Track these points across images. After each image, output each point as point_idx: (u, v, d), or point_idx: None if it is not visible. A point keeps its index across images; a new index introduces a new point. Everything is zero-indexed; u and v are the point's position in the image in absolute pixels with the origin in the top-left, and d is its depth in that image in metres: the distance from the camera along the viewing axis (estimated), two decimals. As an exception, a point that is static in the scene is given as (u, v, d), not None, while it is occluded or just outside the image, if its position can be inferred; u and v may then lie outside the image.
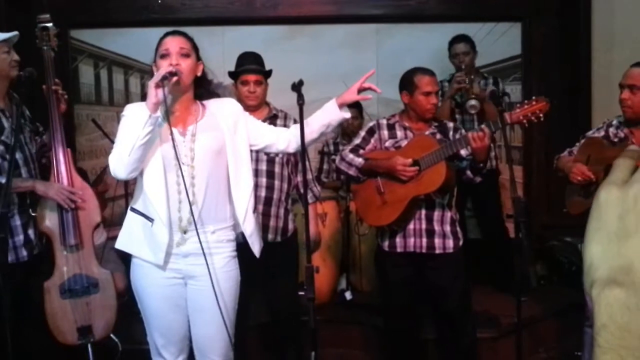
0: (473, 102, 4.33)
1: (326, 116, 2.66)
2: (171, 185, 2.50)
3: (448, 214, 3.36)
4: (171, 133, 2.46)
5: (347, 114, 2.69)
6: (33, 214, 3.13)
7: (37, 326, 3.11)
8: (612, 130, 3.25)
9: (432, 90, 3.32)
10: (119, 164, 2.45)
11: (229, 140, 2.60)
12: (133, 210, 2.61)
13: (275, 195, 3.46)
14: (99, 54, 5.41)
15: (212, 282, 2.48)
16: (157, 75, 2.41)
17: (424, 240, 3.32)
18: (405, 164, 3.21)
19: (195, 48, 2.60)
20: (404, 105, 3.44)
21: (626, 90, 3.14)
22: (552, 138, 5.09)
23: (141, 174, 2.53)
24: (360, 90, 2.64)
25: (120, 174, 2.48)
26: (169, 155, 2.49)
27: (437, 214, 3.33)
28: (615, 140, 3.23)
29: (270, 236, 3.38)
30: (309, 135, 2.65)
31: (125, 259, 3.38)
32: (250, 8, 5.32)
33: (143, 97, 2.60)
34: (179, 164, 2.46)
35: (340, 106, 2.64)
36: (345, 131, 4.99)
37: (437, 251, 3.32)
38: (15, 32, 3.19)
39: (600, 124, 3.37)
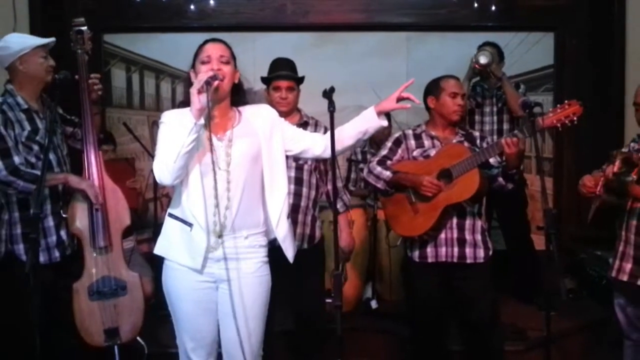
0: (485, 51, 4.40)
1: (364, 123, 2.68)
2: (208, 190, 2.51)
3: (478, 223, 3.33)
4: (210, 138, 2.48)
5: (385, 122, 2.71)
6: (64, 215, 3.17)
7: (65, 327, 3.14)
8: (632, 144, 3.22)
9: (458, 91, 3.35)
10: (165, 171, 2.46)
11: (264, 146, 2.61)
12: (170, 215, 2.63)
13: (303, 203, 3.45)
14: (131, 58, 5.48)
15: (230, 290, 2.51)
16: (198, 82, 2.43)
17: (456, 249, 3.29)
18: (431, 181, 3.20)
19: (233, 56, 2.62)
20: (429, 113, 3.43)
21: None
22: (583, 150, 5.03)
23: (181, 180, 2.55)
24: (399, 99, 2.66)
25: (165, 180, 2.49)
26: (206, 160, 2.50)
27: (468, 223, 3.30)
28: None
29: (297, 243, 3.36)
30: (345, 142, 2.69)
31: (153, 262, 3.41)
32: (281, 15, 5.36)
33: (181, 104, 2.62)
34: (214, 169, 2.46)
35: (379, 114, 2.67)
36: (374, 139, 4.97)
37: (468, 261, 3.29)
38: (52, 39, 3.26)
39: (633, 141, 3.32)
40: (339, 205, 3.59)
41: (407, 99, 2.67)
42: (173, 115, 2.56)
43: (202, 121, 2.42)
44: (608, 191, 3.04)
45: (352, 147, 2.84)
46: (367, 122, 2.68)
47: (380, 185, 3.39)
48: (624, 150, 3.24)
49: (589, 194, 3.17)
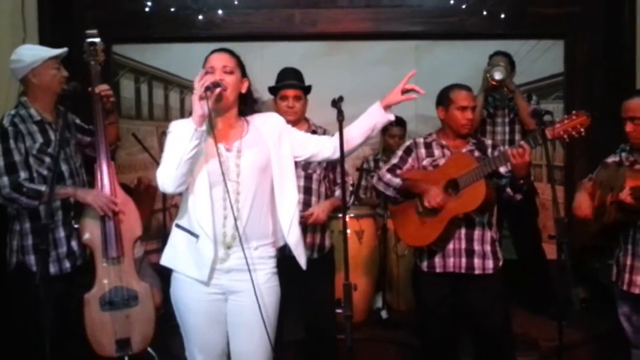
0: (500, 67, 4.38)
1: (371, 119, 2.65)
2: (216, 201, 2.50)
3: (488, 234, 3.30)
4: (217, 149, 2.47)
5: (392, 116, 2.68)
6: (75, 226, 3.17)
7: (76, 337, 3.14)
8: (624, 155, 3.22)
9: (467, 105, 3.31)
10: (167, 178, 2.45)
11: (274, 155, 2.60)
12: (178, 226, 2.62)
13: (312, 212, 3.44)
14: (140, 68, 5.49)
15: (257, 298, 2.49)
16: (199, 88, 2.42)
17: (464, 260, 3.26)
18: (437, 195, 3.19)
19: (240, 65, 2.61)
20: (440, 122, 3.42)
21: (629, 123, 3.13)
22: (594, 158, 4.97)
23: (187, 189, 2.53)
24: (404, 91, 2.63)
25: (168, 188, 2.48)
26: (214, 171, 2.48)
27: (477, 233, 3.28)
28: (627, 164, 3.18)
29: (307, 252, 3.35)
30: (354, 141, 2.66)
31: (162, 273, 3.41)
32: (289, 24, 5.36)
33: (190, 113, 2.60)
34: (224, 180, 2.45)
35: (385, 108, 2.64)
36: (389, 148, 4.94)
37: (477, 272, 3.26)
38: (65, 49, 3.26)
39: (617, 149, 3.32)
40: (337, 193, 3.53)
41: (412, 90, 2.63)
42: (180, 125, 2.55)
43: (203, 127, 2.41)
44: (621, 210, 3.04)
45: (361, 146, 2.78)
46: (373, 117, 2.65)
47: (390, 192, 3.38)
48: (614, 159, 3.24)
49: (585, 218, 3.20)
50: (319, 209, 3.40)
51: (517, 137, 4.54)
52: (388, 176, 3.38)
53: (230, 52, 2.63)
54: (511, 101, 4.55)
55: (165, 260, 2.66)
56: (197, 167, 2.50)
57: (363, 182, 4.97)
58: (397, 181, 3.35)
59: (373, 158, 5.08)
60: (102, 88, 3.21)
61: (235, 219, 2.48)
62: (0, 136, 3.08)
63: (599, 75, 5.24)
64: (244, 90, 2.62)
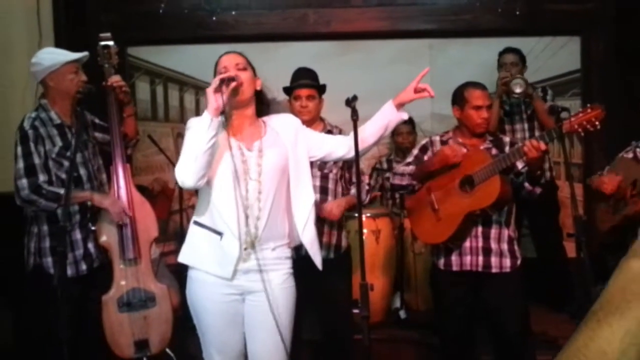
0: (519, 80, 4.33)
1: (384, 118, 2.65)
2: (239, 200, 2.50)
3: (505, 232, 3.27)
4: (239, 148, 2.50)
5: (405, 115, 2.68)
6: (92, 228, 3.19)
7: (94, 339, 3.15)
8: (639, 150, 3.16)
9: (482, 104, 3.26)
10: (186, 172, 2.44)
11: (291, 155, 2.61)
12: (197, 224, 2.61)
13: (329, 212, 3.43)
14: (155, 70, 5.51)
15: (268, 300, 2.50)
16: (214, 81, 2.44)
17: (480, 258, 3.23)
18: (453, 148, 3.16)
19: (250, 64, 2.64)
20: (457, 121, 3.39)
21: None
22: (613, 155, 4.93)
23: (209, 186, 2.53)
24: (417, 90, 2.62)
25: (188, 182, 2.46)
26: (237, 169, 2.49)
27: (494, 232, 3.25)
28: None
29: (323, 253, 3.34)
30: (368, 140, 2.66)
31: (179, 274, 3.42)
32: (303, 24, 5.36)
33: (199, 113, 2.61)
34: (239, 179, 2.46)
35: (398, 107, 2.64)
36: (399, 147, 4.96)
37: (494, 270, 3.23)
38: (85, 53, 3.26)
39: (630, 146, 3.27)
40: (353, 192, 3.51)
41: (424, 90, 2.62)
42: (198, 120, 2.55)
43: (219, 118, 2.43)
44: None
45: (375, 145, 2.79)
46: (386, 116, 2.65)
47: (405, 181, 3.36)
48: (629, 155, 3.20)
49: (610, 192, 3.14)
50: (334, 204, 3.40)
51: (538, 133, 4.49)
52: (402, 168, 3.39)
53: (240, 53, 2.66)
54: (526, 97, 4.51)
55: (184, 257, 2.64)
56: (220, 164, 2.50)
57: (372, 182, 4.96)
58: (410, 168, 3.35)
59: (386, 159, 5.08)
60: (114, 79, 3.22)
61: (250, 219, 2.49)
62: (21, 139, 3.11)
63: (616, 70, 5.19)
64: (258, 87, 2.64)
